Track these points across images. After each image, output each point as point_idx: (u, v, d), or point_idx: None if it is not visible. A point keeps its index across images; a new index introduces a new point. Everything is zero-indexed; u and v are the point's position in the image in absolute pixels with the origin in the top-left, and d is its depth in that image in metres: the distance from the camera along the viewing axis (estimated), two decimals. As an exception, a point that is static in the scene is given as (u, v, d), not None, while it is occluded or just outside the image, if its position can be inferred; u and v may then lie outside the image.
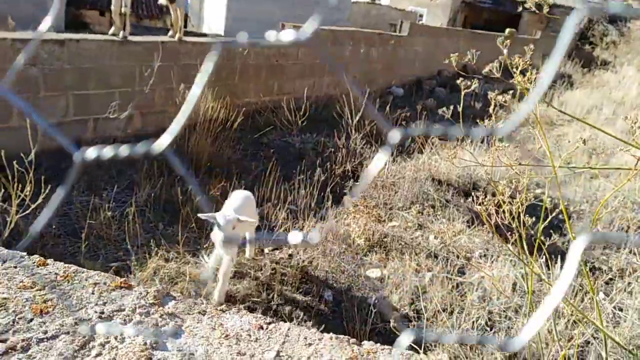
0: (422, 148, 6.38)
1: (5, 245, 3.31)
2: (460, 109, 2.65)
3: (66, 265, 1.61)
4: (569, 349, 3.07)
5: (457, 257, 4.09)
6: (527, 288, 2.22)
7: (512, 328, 3.23)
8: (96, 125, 5.48)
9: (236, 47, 6.77)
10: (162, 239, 3.83)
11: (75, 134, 5.28)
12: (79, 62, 5.20)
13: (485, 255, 4.10)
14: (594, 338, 3.21)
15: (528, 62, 1.65)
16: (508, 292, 3.54)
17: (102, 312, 1.41)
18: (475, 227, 4.50)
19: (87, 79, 5.29)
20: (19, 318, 1.35)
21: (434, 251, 4.10)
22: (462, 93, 1.86)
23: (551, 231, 2.52)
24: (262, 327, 1.39)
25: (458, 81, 1.88)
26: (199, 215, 3.09)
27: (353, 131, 6.11)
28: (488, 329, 3.23)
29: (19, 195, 3.26)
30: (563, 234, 4.60)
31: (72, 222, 3.90)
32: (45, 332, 1.31)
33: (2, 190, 3.44)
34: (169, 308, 1.47)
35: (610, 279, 3.90)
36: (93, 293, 1.49)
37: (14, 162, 3.33)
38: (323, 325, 3.14)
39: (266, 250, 3.94)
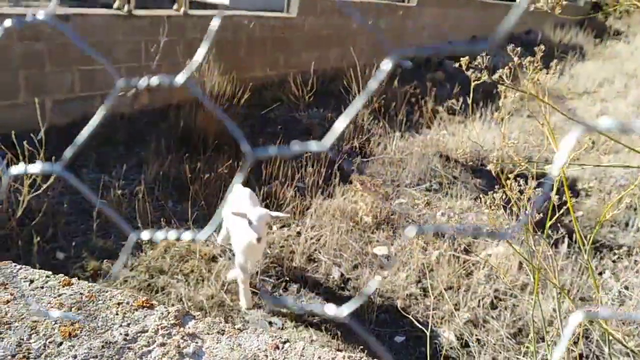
0: (430, 123, 6.34)
1: (18, 224, 3.37)
2: (468, 88, 2.62)
3: (90, 284, 1.65)
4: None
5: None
6: (533, 267, 2.25)
7: (517, 306, 3.27)
8: (103, 101, 5.47)
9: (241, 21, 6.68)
10: (172, 216, 3.88)
11: (82, 111, 5.28)
12: (84, 37, 5.16)
13: (492, 233, 4.11)
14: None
15: (538, 67, 1.62)
16: (514, 271, 3.57)
17: (127, 334, 1.45)
18: (483, 204, 4.50)
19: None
20: (49, 342, 1.40)
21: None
22: (472, 84, 1.84)
23: (559, 224, 2.50)
24: (278, 347, 1.44)
25: (468, 73, 1.85)
26: (231, 212, 2.82)
27: (360, 107, 6.06)
28: (494, 307, 3.28)
29: (30, 176, 3.29)
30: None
31: (83, 200, 3.94)
32: (75, 357, 1.36)
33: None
34: (189, 328, 1.51)
35: (618, 258, 3.91)
36: (117, 314, 1.53)
37: (24, 142, 3.35)
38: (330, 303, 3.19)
39: (274, 227, 3.97)
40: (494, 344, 2.95)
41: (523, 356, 2.87)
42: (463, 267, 3.60)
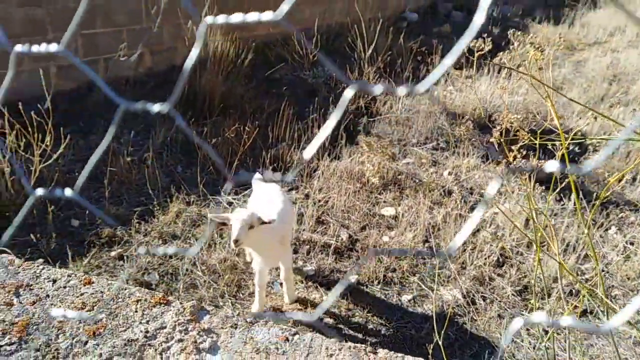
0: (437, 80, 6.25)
1: (32, 194, 3.42)
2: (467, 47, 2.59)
3: (109, 282, 1.70)
4: (576, 283, 3.19)
5: (471, 193, 4.14)
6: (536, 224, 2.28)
7: (523, 263, 3.34)
8: (107, 65, 5.43)
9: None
10: (181, 182, 3.93)
11: (87, 75, 5.26)
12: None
13: (499, 192, 4.14)
14: (605, 272, 3.31)
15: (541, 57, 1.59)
16: (520, 228, 3.62)
17: (147, 331, 1.52)
18: (490, 162, 4.51)
19: (93, 18, 5.18)
20: (75, 341, 1.47)
21: (448, 188, 4.15)
22: (476, 55, 1.81)
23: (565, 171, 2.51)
24: (287, 339, 1.50)
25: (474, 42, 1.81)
26: (209, 216, 2.55)
27: (366, 65, 5.98)
28: (500, 265, 3.35)
29: (40, 145, 3.33)
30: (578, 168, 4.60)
31: (94, 167, 3.99)
32: (100, 355, 1.43)
33: (23, 139, 3.51)
34: (204, 323, 1.57)
35: (624, 214, 3.94)
36: (136, 311, 1.59)
37: (32, 113, 3.36)
38: (339, 263, 3.28)
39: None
40: (500, 301, 3.04)
41: (529, 312, 2.96)
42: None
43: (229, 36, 5.67)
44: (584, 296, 2.64)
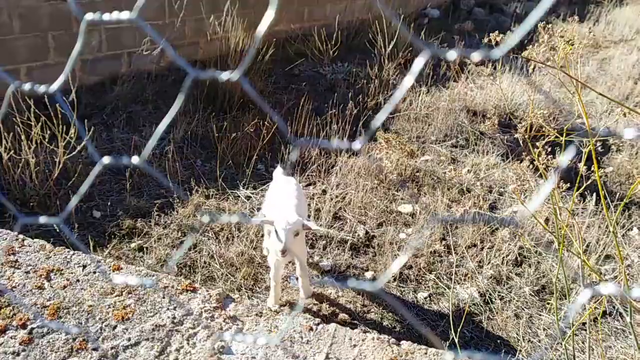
0: (458, 76, 6.20)
1: (55, 184, 3.50)
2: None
3: (137, 268, 1.74)
4: (599, 282, 3.14)
5: (490, 191, 4.11)
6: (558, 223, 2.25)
7: (541, 263, 3.30)
8: (130, 59, 5.51)
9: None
10: (201, 175, 3.98)
11: (110, 69, 5.34)
12: (108, -5, 5.15)
13: (520, 190, 4.09)
14: (626, 274, 3.26)
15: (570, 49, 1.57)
16: (539, 228, 3.58)
17: (174, 317, 1.56)
18: (510, 161, 4.47)
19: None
20: (105, 325, 1.52)
21: (467, 186, 4.12)
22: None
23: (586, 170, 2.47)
24: (311, 329, 1.52)
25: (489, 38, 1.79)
26: (253, 220, 2.63)
27: (386, 61, 5.95)
28: (518, 264, 3.32)
29: (64, 138, 3.40)
30: (601, 167, 4.53)
31: (117, 159, 4.06)
32: (129, 339, 1.48)
33: (48, 130, 3.59)
34: (229, 311, 1.60)
35: (646, 215, 3.86)
36: (164, 297, 1.63)
37: (57, 105, 3.43)
38: (356, 259, 3.29)
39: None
40: (517, 301, 3.01)
41: (547, 313, 2.93)
42: (488, 225, 3.63)
43: (250, 32, 5.70)
44: (605, 296, 2.61)
